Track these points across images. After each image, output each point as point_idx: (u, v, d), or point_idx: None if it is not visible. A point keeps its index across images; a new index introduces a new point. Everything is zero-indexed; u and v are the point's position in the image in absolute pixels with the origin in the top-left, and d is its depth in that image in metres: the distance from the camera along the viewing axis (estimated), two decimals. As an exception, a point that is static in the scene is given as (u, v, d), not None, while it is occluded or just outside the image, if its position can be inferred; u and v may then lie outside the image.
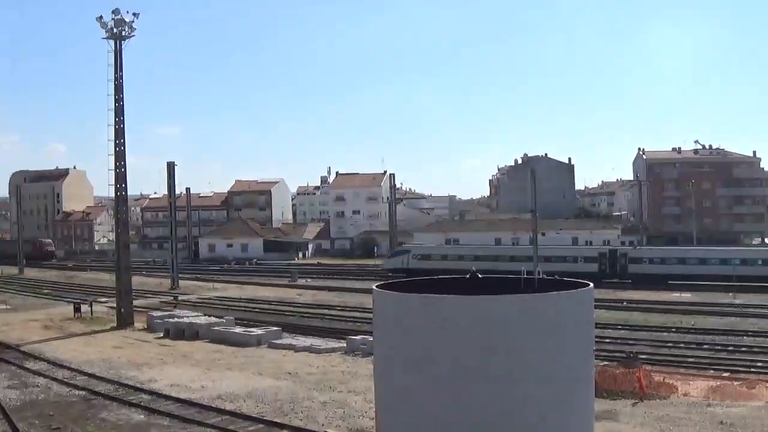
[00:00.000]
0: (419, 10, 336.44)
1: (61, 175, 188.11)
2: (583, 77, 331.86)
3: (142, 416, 26.40)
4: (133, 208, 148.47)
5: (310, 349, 39.30)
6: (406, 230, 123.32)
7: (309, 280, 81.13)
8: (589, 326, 10.60)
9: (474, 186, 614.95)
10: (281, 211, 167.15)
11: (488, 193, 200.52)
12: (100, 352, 40.62)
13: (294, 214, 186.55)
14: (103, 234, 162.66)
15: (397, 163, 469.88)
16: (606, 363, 31.93)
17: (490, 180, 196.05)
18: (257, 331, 43.92)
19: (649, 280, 72.27)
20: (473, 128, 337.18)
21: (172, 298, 67.38)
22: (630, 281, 74.80)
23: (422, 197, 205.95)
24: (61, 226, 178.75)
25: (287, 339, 42.53)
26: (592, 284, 10.58)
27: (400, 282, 11.45)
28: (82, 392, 30.44)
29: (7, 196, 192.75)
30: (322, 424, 24.54)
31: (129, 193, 55.14)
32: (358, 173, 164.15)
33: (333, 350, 38.98)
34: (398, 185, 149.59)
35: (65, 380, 32.87)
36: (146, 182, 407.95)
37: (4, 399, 29.16)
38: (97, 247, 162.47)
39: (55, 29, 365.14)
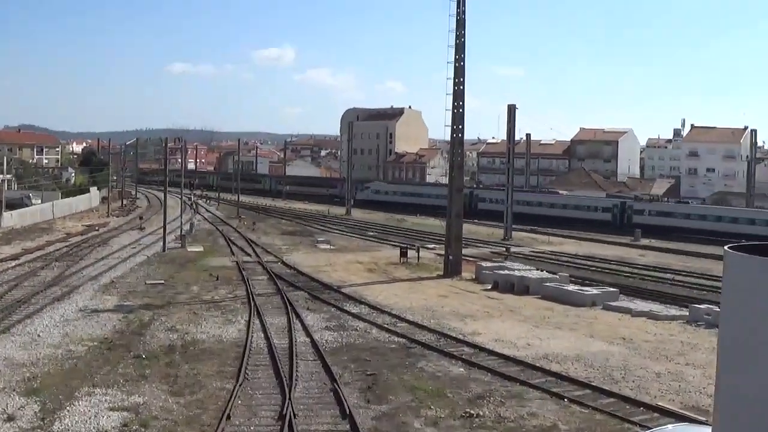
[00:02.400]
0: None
1: (395, 114, 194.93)
2: None
3: (462, 369, 26.78)
4: (468, 153, 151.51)
5: (648, 315, 38.44)
6: (766, 193, 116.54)
7: (653, 240, 78.84)
8: None
9: None
10: (627, 165, 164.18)
11: None
12: (423, 299, 41.86)
13: (641, 168, 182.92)
14: (436, 178, 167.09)
15: (761, 119, 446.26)
16: None
17: None
18: (592, 290, 43.66)
19: None
20: None
21: (503, 249, 68.05)
22: None
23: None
24: (392, 167, 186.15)
25: (624, 302, 41.89)
26: None
27: (757, 245, 10.38)
28: (402, 340, 31.44)
29: (339, 134, 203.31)
30: (654, 397, 23.80)
31: (465, 136, 55.69)
32: (715, 127, 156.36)
33: (673, 318, 37.91)
34: (760, 143, 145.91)
35: (385, 326, 34.12)
36: (484, 126, 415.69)
37: (320, 341, 30.70)
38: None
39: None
